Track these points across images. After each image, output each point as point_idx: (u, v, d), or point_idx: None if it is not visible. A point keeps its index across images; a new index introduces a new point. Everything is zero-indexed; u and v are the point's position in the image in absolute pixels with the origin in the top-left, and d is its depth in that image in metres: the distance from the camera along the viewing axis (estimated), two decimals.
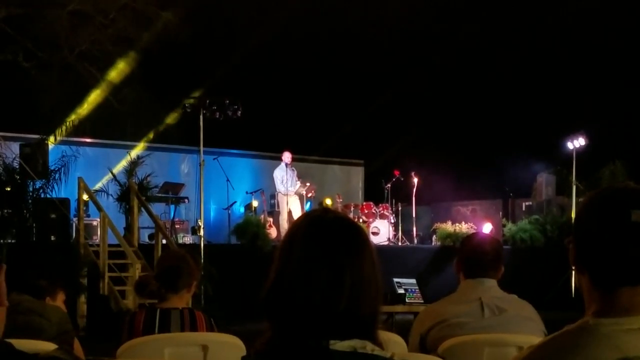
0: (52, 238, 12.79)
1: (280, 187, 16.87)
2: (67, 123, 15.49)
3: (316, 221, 1.86)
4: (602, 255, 1.75)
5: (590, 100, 17.92)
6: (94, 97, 16.69)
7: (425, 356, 3.36)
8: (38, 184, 13.29)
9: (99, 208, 12.87)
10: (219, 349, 3.79)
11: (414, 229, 17.78)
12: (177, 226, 16.22)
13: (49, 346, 3.08)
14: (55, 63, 16.05)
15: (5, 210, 12.68)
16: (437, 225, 17.23)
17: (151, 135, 18.45)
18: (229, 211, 16.99)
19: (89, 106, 16.60)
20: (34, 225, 12.92)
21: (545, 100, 18.78)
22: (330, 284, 1.75)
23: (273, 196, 17.90)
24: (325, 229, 1.83)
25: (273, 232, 16.07)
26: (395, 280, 10.38)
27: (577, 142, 16.91)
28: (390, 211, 17.45)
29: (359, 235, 1.85)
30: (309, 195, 17.35)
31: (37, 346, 3.05)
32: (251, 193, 18.17)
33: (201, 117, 13.54)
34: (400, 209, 17.95)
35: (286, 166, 16.84)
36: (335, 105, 19.47)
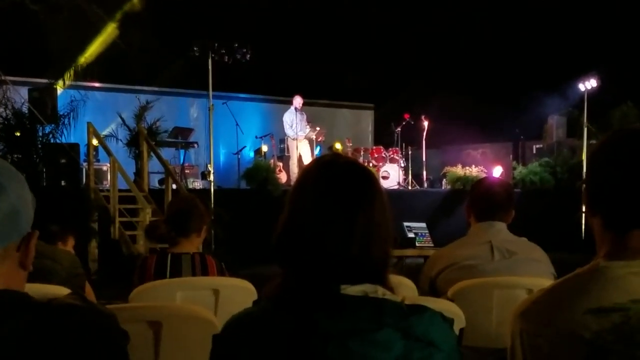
0: (63, 183, 12.84)
1: (289, 131, 16.83)
2: (76, 67, 15.44)
3: (327, 166, 1.85)
4: (614, 197, 1.74)
5: (602, 41, 17.72)
6: (102, 40, 16.56)
7: (435, 299, 3.37)
8: (47, 128, 13.31)
9: (109, 153, 12.87)
10: (230, 293, 3.81)
11: (424, 172, 17.77)
12: (186, 171, 16.26)
13: (61, 290, 3.10)
14: (63, 5, 15.92)
15: (15, 156, 12.70)
16: (447, 168, 17.22)
17: (160, 80, 18.33)
18: (239, 156, 16.99)
19: (97, 50, 16.48)
20: (44, 170, 12.97)
21: (556, 41, 18.57)
22: (342, 229, 1.74)
23: (282, 141, 17.88)
24: (336, 174, 1.82)
25: (283, 177, 16.09)
26: (405, 224, 10.38)
27: (588, 84, 16.81)
28: (400, 155, 17.43)
29: (370, 180, 1.84)
30: (319, 139, 17.32)
31: (50, 290, 3.07)
32: (261, 137, 18.15)
33: (210, 61, 13.46)
34: (410, 152, 17.93)
35: (295, 110, 16.77)
36: (344, 49, 19.31)
